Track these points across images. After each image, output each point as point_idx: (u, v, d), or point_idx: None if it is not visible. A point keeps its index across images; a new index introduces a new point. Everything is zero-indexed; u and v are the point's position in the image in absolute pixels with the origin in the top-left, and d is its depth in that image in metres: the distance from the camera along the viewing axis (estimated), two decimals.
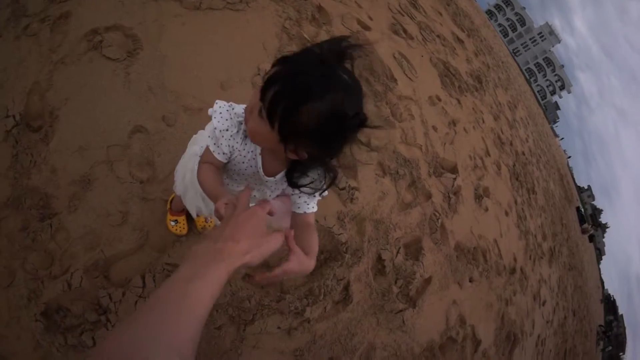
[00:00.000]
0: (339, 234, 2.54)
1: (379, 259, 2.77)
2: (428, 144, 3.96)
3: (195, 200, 1.43)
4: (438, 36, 6.68)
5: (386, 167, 3.20)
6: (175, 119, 2.19)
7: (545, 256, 7.29)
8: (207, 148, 1.00)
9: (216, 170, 1.03)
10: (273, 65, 0.78)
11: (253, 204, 0.82)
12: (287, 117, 0.74)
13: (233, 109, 0.96)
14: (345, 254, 2.52)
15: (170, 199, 1.95)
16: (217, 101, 0.97)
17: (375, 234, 2.81)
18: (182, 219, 1.93)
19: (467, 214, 4.07)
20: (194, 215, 1.57)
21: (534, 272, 6.03)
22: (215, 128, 0.94)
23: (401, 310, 2.72)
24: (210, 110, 0.97)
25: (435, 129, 4.26)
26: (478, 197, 4.48)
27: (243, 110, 0.95)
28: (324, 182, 0.95)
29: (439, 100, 4.86)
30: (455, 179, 3.97)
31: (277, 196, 1.11)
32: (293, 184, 0.95)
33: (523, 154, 8.78)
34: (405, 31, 5.28)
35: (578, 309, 11.57)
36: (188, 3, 2.72)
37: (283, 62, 0.77)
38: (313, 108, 0.71)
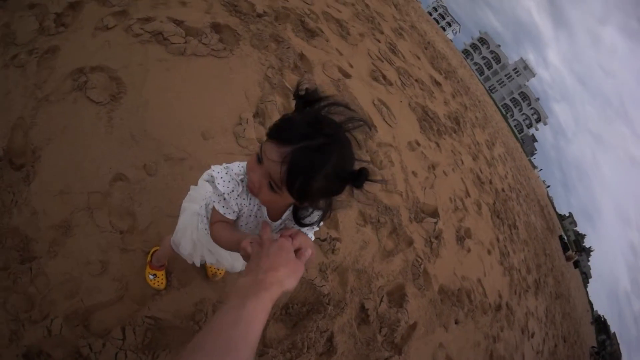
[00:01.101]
0: (321, 286, 2.54)
1: (362, 308, 2.76)
2: (408, 189, 4.04)
3: (201, 252, 1.48)
4: (416, 80, 6.95)
5: (367, 215, 3.25)
6: (156, 169, 2.18)
7: (531, 289, 7.32)
8: (215, 211, 1.06)
9: (229, 225, 1.09)
10: (269, 138, 0.85)
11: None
12: (302, 190, 0.83)
13: (231, 170, 1.03)
14: (327, 305, 2.50)
15: (152, 252, 1.94)
16: (212, 167, 1.03)
17: (358, 283, 2.82)
18: (161, 273, 1.93)
19: (450, 256, 4.12)
20: (197, 264, 1.60)
21: (520, 306, 6.05)
22: (223, 193, 1.00)
23: (387, 358, 2.69)
24: (205, 176, 1.07)
25: (415, 174, 4.37)
26: (460, 239, 4.54)
27: (239, 168, 1.03)
28: (322, 217, 1.04)
29: (418, 144, 5.00)
30: (436, 222, 4.05)
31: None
32: (301, 224, 1.05)
33: (503, 190, 8.97)
34: (384, 77, 5.49)
35: (568, 335, 11.50)
36: (173, 48, 2.78)
37: (281, 139, 0.83)
38: (323, 177, 0.81)
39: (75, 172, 1.95)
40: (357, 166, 0.86)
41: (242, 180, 1.02)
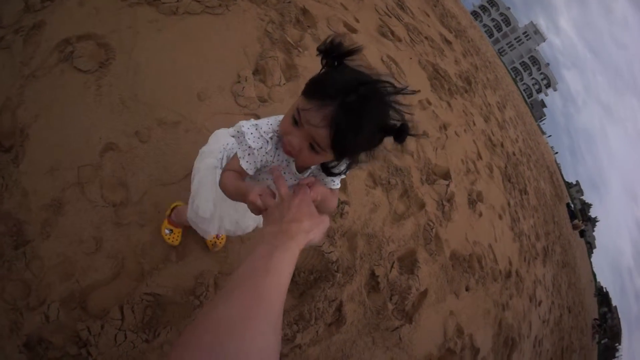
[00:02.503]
0: (329, 253, 2.39)
1: (373, 275, 2.63)
2: (419, 150, 3.83)
3: (221, 213, 1.42)
4: (426, 38, 6.60)
5: (377, 177, 3.06)
6: (149, 135, 2.03)
7: (539, 256, 7.26)
8: (235, 160, 1.03)
9: (239, 176, 1.05)
10: (308, 99, 0.81)
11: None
12: (347, 148, 0.82)
13: (260, 127, 0.99)
14: (336, 273, 2.38)
15: (172, 206, 1.89)
16: (241, 122, 1.00)
17: (368, 249, 2.67)
18: (178, 230, 1.88)
19: (462, 220, 3.96)
20: (214, 232, 1.51)
21: (529, 273, 6.00)
22: (253, 149, 0.98)
23: (397, 327, 2.60)
24: (231, 131, 1.03)
25: (426, 134, 4.14)
26: (472, 203, 4.37)
27: (268, 126, 1.00)
28: (349, 165, 1.03)
29: (429, 104, 4.76)
30: (448, 185, 3.86)
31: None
32: (331, 173, 1.04)
33: (514, 154, 8.75)
34: (392, 33, 5.17)
35: (573, 305, 11.63)
36: (164, 8, 2.57)
37: (321, 100, 0.78)
38: (368, 133, 0.80)
39: (65, 147, 1.83)
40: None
41: (270, 138, 0.99)
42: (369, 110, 0.77)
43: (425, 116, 4.45)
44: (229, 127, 1.29)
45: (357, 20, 4.48)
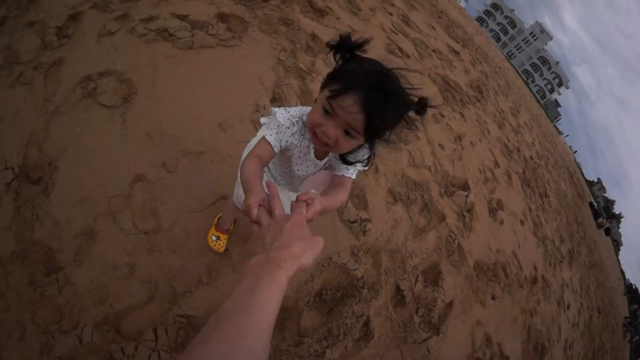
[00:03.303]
0: (354, 270, 2.45)
1: (398, 289, 2.67)
2: (436, 163, 3.89)
3: None
4: (434, 51, 6.69)
5: (396, 193, 3.13)
6: (176, 165, 2.14)
7: (565, 259, 7.12)
8: (262, 141, 1.07)
9: (260, 165, 1.06)
10: (337, 91, 0.88)
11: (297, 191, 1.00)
12: (379, 129, 0.90)
13: (289, 111, 1.09)
14: (362, 289, 2.43)
15: (217, 217, 2.02)
16: (272, 108, 1.09)
17: (392, 264, 2.72)
18: (224, 237, 1.99)
19: (483, 230, 3.97)
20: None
21: (556, 277, 5.90)
22: (281, 124, 1.06)
23: (425, 340, 2.62)
24: (263, 120, 1.10)
25: (442, 146, 4.20)
26: (492, 211, 4.38)
27: (296, 112, 1.10)
28: (366, 157, 1.12)
29: (443, 116, 4.82)
30: (467, 195, 3.89)
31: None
32: (348, 162, 1.10)
33: (531, 158, 8.67)
34: (400, 50, 5.28)
35: (602, 305, 11.28)
36: (180, 43, 2.71)
37: (351, 88, 0.86)
38: (395, 111, 0.90)
39: (94, 178, 1.92)
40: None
41: (297, 122, 1.08)
42: (392, 91, 0.86)
43: (439, 129, 4.51)
44: None
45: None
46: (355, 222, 2.65)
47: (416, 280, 2.82)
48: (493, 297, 3.60)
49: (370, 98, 0.84)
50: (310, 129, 0.98)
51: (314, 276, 2.29)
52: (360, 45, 0.93)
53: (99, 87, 2.21)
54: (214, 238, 1.97)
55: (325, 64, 3.54)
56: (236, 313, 0.54)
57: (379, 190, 3.00)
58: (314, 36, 3.83)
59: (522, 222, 5.24)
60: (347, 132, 0.91)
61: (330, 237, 2.50)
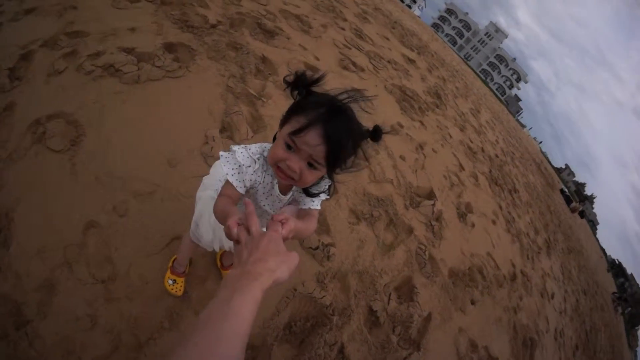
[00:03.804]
0: (322, 298, 2.36)
1: (371, 311, 2.59)
2: (399, 175, 3.86)
3: (220, 235, 1.53)
4: (389, 62, 6.78)
5: (359, 212, 3.07)
6: (127, 208, 2.06)
7: (543, 250, 7.23)
8: (227, 183, 1.10)
9: (231, 201, 1.09)
10: (293, 120, 0.94)
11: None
12: (339, 157, 0.96)
13: (249, 149, 1.10)
14: (332, 316, 2.33)
15: (172, 259, 1.97)
16: (232, 147, 1.11)
17: (361, 286, 2.64)
18: (181, 280, 1.94)
19: (454, 236, 3.95)
20: (217, 248, 1.63)
21: (535, 269, 5.96)
22: (242, 165, 1.08)
23: (405, 358, 2.54)
24: (222, 153, 1.12)
25: (403, 158, 4.19)
26: (462, 216, 4.38)
27: (256, 149, 1.12)
28: (327, 186, 1.17)
29: (402, 127, 4.83)
30: (434, 204, 3.87)
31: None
32: (311, 194, 1.15)
33: (496, 156, 8.84)
34: (354, 64, 5.31)
35: (587, 287, 11.50)
36: (127, 78, 2.63)
37: (310, 122, 0.90)
38: (353, 140, 0.96)
39: (49, 228, 1.87)
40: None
41: (257, 159, 1.10)
42: (348, 122, 0.93)
43: (399, 140, 4.51)
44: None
45: (317, 59, 4.61)
46: (317, 248, 2.56)
47: (389, 298, 2.74)
48: (472, 302, 3.56)
49: (330, 130, 0.90)
50: (274, 164, 1.02)
51: (279, 310, 2.18)
52: (316, 81, 0.99)
53: (47, 131, 2.15)
54: (170, 282, 1.92)
55: (275, 87, 3.50)
56: (212, 321, 0.56)
57: (340, 212, 2.93)
58: (264, 59, 3.80)
59: (493, 222, 5.28)
60: (310, 165, 0.96)
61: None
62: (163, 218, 2.12)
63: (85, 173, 2.09)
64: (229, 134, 2.78)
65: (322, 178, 1.12)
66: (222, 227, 1.29)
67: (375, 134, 0.99)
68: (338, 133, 0.91)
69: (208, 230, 1.53)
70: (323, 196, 1.18)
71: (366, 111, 1.00)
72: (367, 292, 2.64)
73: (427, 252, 3.31)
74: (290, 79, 1.00)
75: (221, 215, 1.03)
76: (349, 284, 2.58)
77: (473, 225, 4.48)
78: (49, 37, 2.70)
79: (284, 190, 1.18)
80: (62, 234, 1.86)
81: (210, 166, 2.46)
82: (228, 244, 1.56)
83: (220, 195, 1.13)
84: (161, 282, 1.94)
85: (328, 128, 0.90)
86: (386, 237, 3.13)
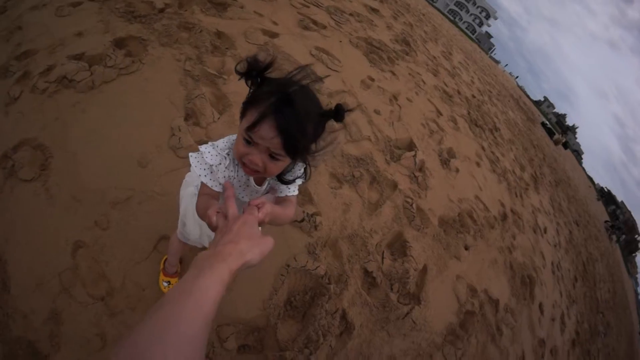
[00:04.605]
0: (315, 269, 2.31)
1: (366, 273, 2.56)
2: (375, 131, 3.74)
3: (207, 231, 1.52)
4: (351, 15, 6.49)
5: (339, 175, 2.96)
6: (108, 220, 2.03)
7: (530, 185, 7.30)
8: (203, 185, 1.10)
9: (211, 198, 1.10)
10: (248, 114, 0.91)
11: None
12: (299, 145, 0.90)
13: (217, 146, 1.08)
14: (329, 285, 2.30)
15: (163, 260, 1.99)
16: (200, 146, 1.08)
17: (353, 250, 2.59)
18: (174, 280, 1.96)
19: (440, 184, 3.90)
20: (206, 244, 1.64)
21: (525, 206, 6.02)
22: (211, 165, 1.06)
23: (407, 313, 2.56)
24: (191, 154, 1.09)
25: (377, 112, 4.05)
26: (445, 162, 4.32)
27: (224, 144, 1.10)
28: (302, 170, 1.14)
29: (372, 80, 4.66)
30: (415, 155, 3.78)
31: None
32: (286, 182, 1.13)
33: (473, 97, 8.76)
34: (315, 23, 5.05)
35: (579, 217, 11.80)
36: (81, 86, 2.48)
37: (262, 115, 0.86)
38: (311, 124, 0.90)
39: (41, 259, 1.86)
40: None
41: (227, 154, 1.08)
42: (302, 105, 0.87)
43: (371, 94, 4.35)
44: (180, 183, 1.57)
45: (275, 23, 4.35)
46: (303, 220, 2.47)
47: (382, 257, 2.71)
48: (466, 248, 3.56)
49: (282, 121, 0.86)
50: (238, 159, 1.00)
51: (276, 289, 2.16)
52: (267, 67, 0.92)
53: (16, 163, 2.11)
54: (165, 284, 1.95)
55: (235, 61, 3.28)
56: (175, 299, 0.56)
57: (320, 179, 2.82)
58: (219, 34, 3.55)
59: (477, 164, 5.25)
60: (272, 156, 0.93)
61: (282, 243, 2.35)
62: (144, 221, 2.10)
63: (61, 195, 2.06)
64: (194, 120, 2.64)
65: (294, 163, 1.09)
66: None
67: (338, 114, 0.92)
68: (291, 122, 0.87)
69: (195, 226, 1.53)
70: (299, 181, 1.17)
71: (335, 70, 0.89)
72: (359, 255, 2.60)
73: (414, 205, 3.25)
74: (242, 67, 0.93)
75: (203, 213, 1.03)
76: (341, 249, 2.54)
77: (457, 170, 4.44)
78: (0, 66, 2.61)
79: (259, 181, 1.17)
80: (54, 262, 1.86)
81: (180, 158, 2.37)
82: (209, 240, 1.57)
83: (199, 195, 1.14)
84: (157, 285, 1.95)
85: (280, 119, 0.86)
86: (371, 196, 3.05)
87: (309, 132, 0.91)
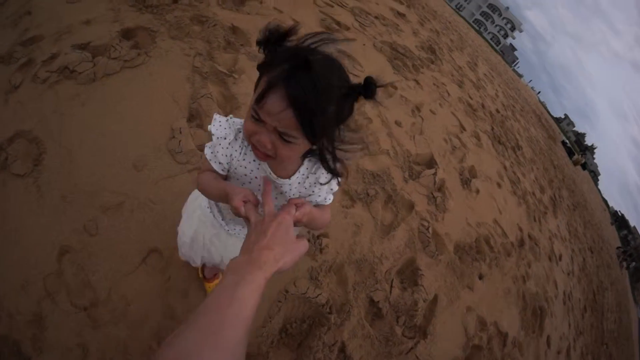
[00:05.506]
0: (316, 297, 2.10)
1: (372, 302, 2.34)
2: (395, 145, 3.49)
3: (201, 252, 1.44)
4: (376, 17, 6.25)
5: (353, 192, 2.73)
6: (97, 226, 1.89)
7: (549, 209, 7.02)
8: (205, 160, 1.00)
9: (218, 176, 1.00)
10: (257, 86, 0.78)
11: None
12: (317, 122, 0.73)
13: (232, 118, 0.98)
14: (329, 315, 2.09)
15: (200, 268, 1.93)
16: (215, 115, 0.98)
17: (360, 276, 2.36)
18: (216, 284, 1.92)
19: (459, 206, 3.65)
20: (198, 263, 1.54)
21: (543, 231, 5.76)
22: (213, 135, 0.96)
23: (412, 348, 2.35)
24: (209, 127, 0.99)
25: (398, 124, 3.81)
26: (465, 182, 4.06)
27: (240, 120, 0.98)
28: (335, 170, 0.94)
29: (395, 88, 4.42)
30: (435, 173, 3.53)
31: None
32: (331, 169, 0.91)
33: (497, 111, 8.46)
34: (338, 23, 4.83)
35: (593, 244, 11.45)
36: (82, 78, 2.33)
37: (271, 85, 0.72)
38: (331, 98, 0.72)
39: (27, 259, 1.77)
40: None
41: (239, 131, 0.97)
42: (323, 75, 0.70)
43: (393, 104, 4.10)
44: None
45: (296, 21, 4.13)
46: (308, 241, 2.25)
47: (391, 286, 2.48)
48: (480, 277, 3.33)
49: (296, 89, 0.70)
50: (248, 140, 0.86)
51: (271, 316, 1.98)
52: (288, 33, 0.77)
53: (10, 156, 1.99)
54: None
55: (249, 59, 3.08)
56: (215, 306, 0.58)
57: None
58: (234, 29, 3.35)
59: (499, 185, 4.98)
60: (282, 138, 0.78)
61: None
62: (135, 231, 1.96)
63: (51, 193, 1.94)
64: (198, 122, 2.44)
65: (332, 149, 0.86)
66: (216, 246, 1.37)
67: (367, 89, 0.73)
68: (307, 91, 0.69)
69: (190, 229, 1.41)
70: (334, 185, 1.00)
71: (355, 75, 0.66)
72: (366, 283, 2.39)
73: (430, 229, 3.01)
74: (262, 35, 0.78)
75: (218, 194, 0.94)
76: (346, 276, 2.32)
77: (478, 192, 4.17)
78: (5, 52, 2.45)
79: (281, 174, 0.97)
80: (40, 264, 1.77)
81: (179, 163, 2.24)
82: (215, 259, 1.45)
83: (203, 171, 1.04)
84: (143, 301, 1.83)
85: (291, 87, 0.70)
86: (385, 217, 2.81)
87: (330, 109, 0.73)
